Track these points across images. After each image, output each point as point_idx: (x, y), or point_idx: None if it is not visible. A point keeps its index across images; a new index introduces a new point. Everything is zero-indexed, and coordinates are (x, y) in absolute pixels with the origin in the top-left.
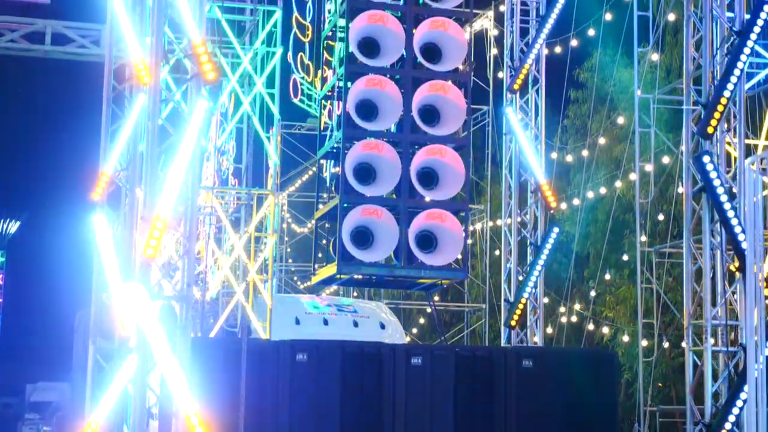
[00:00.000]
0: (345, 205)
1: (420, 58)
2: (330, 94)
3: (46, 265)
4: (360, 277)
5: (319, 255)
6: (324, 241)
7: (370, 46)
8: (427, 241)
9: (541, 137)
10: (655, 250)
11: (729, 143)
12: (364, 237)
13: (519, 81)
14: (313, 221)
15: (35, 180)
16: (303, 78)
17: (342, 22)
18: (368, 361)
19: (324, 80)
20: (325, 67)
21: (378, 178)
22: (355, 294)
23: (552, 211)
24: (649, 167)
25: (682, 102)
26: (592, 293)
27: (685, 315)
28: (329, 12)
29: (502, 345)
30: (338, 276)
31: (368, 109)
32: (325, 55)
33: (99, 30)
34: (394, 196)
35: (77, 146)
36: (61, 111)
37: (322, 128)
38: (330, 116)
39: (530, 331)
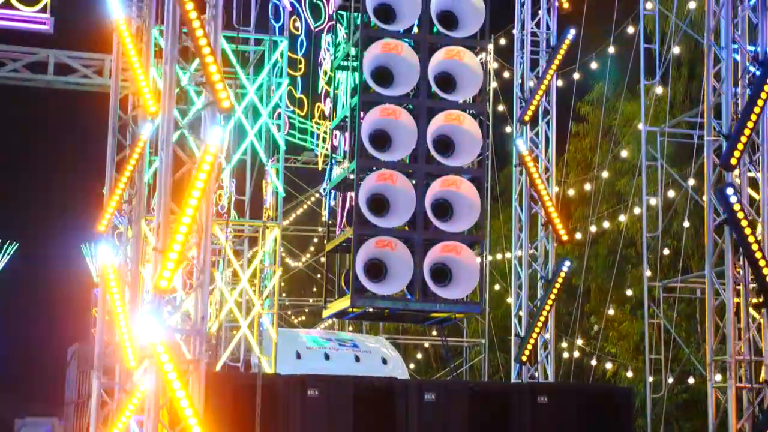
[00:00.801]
0: (360, 235)
1: (434, 88)
2: (343, 124)
3: (38, 296)
4: (372, 310)
5: (312, 289)
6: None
7: (383, 75)
8: (442, 274)
9: (552, 170)
10: (662, 285)
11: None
12: (377, 269)
13: (529, 113)
14: (324, 252)
15: (32, 208)
16: (294, 112)
17: (354, 51)
18: (380, 396)
19: (324, 114)
20: (320, 103)
21: (392, 209)
22: (350, 328)
23: (563, 244)
24: (654, 201)
25: (688, 135)
26: (595, 328)
27: (707, 351)
28: (340, 41)
29: (513, 381)
30: (351, 309)
31: (382, 139)
32: (324, 86)
33: (103, 60)
34: (407, 228)
35: (78, 175)
36: (63, 141)
37: (326, 160)
38: (334, 150)
39: (541, 366)
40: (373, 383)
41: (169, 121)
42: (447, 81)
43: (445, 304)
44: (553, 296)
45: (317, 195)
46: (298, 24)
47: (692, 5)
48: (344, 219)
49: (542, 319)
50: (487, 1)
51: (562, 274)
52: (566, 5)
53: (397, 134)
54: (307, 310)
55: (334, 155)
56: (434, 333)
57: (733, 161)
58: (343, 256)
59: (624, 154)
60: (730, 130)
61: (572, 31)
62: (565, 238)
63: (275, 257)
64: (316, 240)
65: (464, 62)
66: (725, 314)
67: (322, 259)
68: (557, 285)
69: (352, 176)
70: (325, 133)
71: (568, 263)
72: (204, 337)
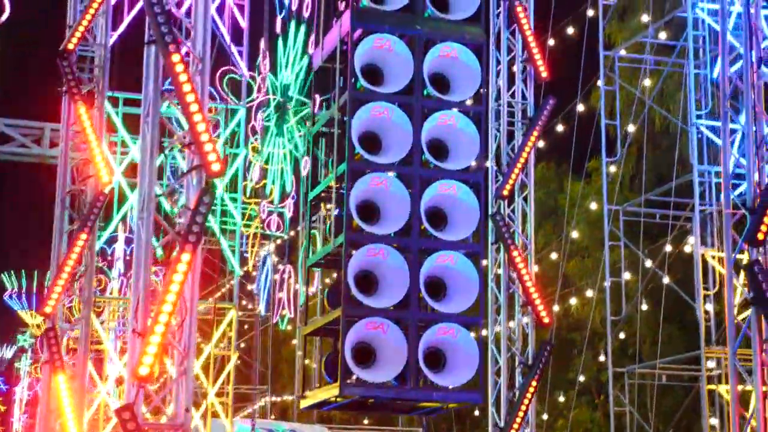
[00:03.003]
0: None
1: (427, 155)
2: (324, 194)
3: None
4: (358, 398)
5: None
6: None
7: (372, 140)
8: (436, 358)
9: (531, 247)
10: (628, 371)
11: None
12: (366, 354)
13: (508, 187)
14: (301, 336)
15: None
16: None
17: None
18: None
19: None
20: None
21: (381, 288)
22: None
23: (544, 327)
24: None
25: (651, 214)
26: (544, 416)
27: None
28: (322, 106)
29: None
30: (335, 399)
31: (371, 210)
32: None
33: (42, 128)
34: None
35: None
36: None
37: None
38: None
39: None
40: None
41: (150, 190)
42: (440, 148)
43: (444, 393)
44: (534, 384)
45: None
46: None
47: (647, 82)
48: (324, 297)
49: (524, 408)
50: (483, 63)
51: (543, 360)
52: (545, 74)
53: (388, 204)
54: None
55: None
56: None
57: (760, 236)
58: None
59: (575, 234)
60: (753, 203)
61: (552, 102)
62: (546, 320)
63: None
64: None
65: (458, 127)
66: (750, 404)
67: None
68: (539, 370)
69: (338, 252)
70: (254, 210)
71: (549, 348)
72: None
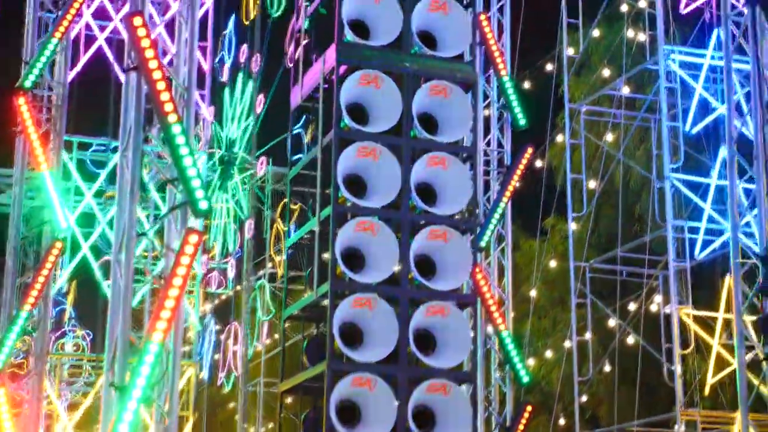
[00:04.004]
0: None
1: (415, 198)
2: (304, 241)
3: None
4: None
5: None
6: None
7: (357, 184)
8: (426, 417)
9: (508, 303)
10: None
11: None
12: (350, 414)
13: (485, 239)
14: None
15: None
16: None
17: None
18: None
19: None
20: None
21: (366, 341)
22: None
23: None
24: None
25: (611, 271)
26: None
27: None
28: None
29: None
30: None
31: (356, 258)
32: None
33: None
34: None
35: None
36: None
37: None
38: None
39: None
40: None
41: (130, 229)
42: (429, 193)
43: None
44: None
45: None
46: None
47: (609, 137)
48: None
49: None
50: (477, 102)
51: (524, 420)
52: (522, 122)
53: (374, 252)
54: None
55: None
56: None
57: None
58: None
59: (533, 293)
60: (765, 251)
61: (530, 149)
62: (525, 380)
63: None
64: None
65: (449, 170)
66: None
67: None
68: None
69: (324, 302)
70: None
71: (530, 408)
72: None
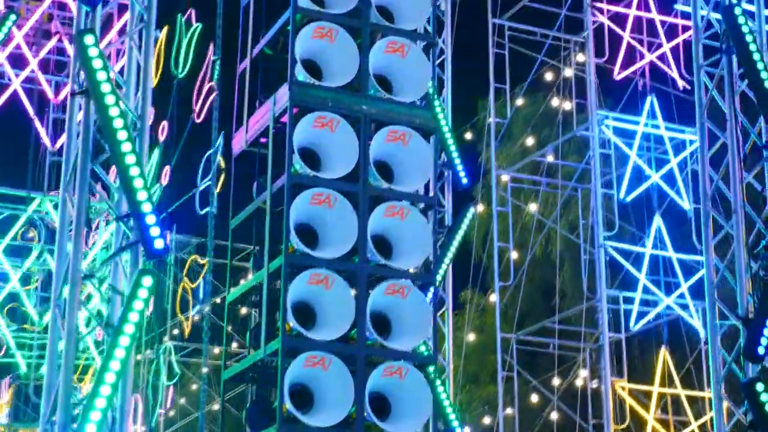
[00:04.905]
0: None
1: (373, 252)
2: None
3: None
4: None
5: None
6: None
7: (309, 233)
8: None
9: (448, 369)
10: None
11: None
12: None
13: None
14: None
15: None
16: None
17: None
18: None
19: None
20: None
21: (317, 406)
22: None
23: None
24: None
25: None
26: None
27: None
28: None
29: None
30: None
31: (306, 314)
32: None
33: None
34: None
35: None
36: None
37: None
38: None
39: None
40: None
41: (74, 271)
42: (385, 245)
43: None
44: None
45: None
46: None
47: (533, 207)
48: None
49: None
50: (437, 153)
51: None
52: (465, 180)
53: (326, 309)
54: None
55: None
56: None
57: (761, 350)
58: None
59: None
60: (747, 313)
61: (472, 209)
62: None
63: None
64: None
65: (406, 222)
66: None
67: None
68: None
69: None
70: None
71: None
72: None
